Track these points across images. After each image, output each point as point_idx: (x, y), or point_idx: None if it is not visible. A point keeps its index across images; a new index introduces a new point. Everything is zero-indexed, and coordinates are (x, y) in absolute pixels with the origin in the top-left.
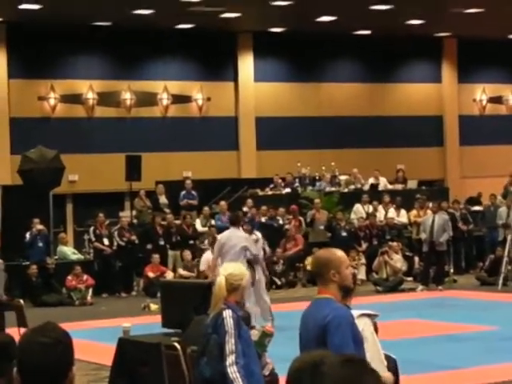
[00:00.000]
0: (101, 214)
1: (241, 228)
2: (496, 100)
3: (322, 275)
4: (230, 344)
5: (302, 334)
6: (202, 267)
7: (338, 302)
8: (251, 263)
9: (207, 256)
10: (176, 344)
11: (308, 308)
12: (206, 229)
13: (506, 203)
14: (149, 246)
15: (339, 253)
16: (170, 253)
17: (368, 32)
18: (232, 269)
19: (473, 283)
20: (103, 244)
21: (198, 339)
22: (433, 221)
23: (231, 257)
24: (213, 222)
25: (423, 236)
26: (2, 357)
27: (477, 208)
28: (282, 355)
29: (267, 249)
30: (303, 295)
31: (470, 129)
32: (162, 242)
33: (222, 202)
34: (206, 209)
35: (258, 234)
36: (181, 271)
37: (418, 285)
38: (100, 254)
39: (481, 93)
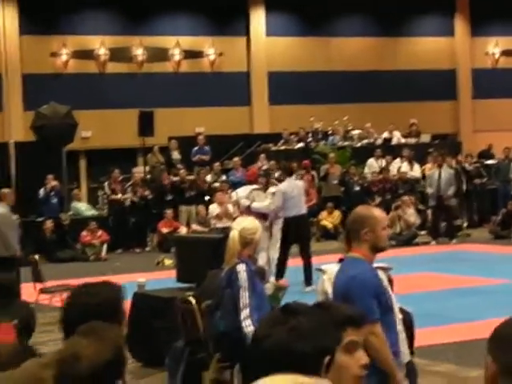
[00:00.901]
0: (116, 170)
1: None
2: (509, 53)
3: (355, 232)
4: (244, 298)
5: (333, 293)
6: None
7: (367, 261)
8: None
9: (212, 208)
10: (191, 298)
11: (339, 267)
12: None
13: None
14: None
15: (377, 212)
16: (183, 208)
17: None
18: (245, 223)
19: (486, 237)
20: (117, 200)
21: (213, 293)
22: (439, 175)
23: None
24: (224, 177)
25: (430, 190)
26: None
27: (490, 162)
28: None
29: None
30: (317, 249)
31: (483, 82)
32: (170, 198)
33: (236, 158)
34: (217, 164)
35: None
36: (195, 226)
37: (432, 239)
38: (115, 209)
39: (493, 46)
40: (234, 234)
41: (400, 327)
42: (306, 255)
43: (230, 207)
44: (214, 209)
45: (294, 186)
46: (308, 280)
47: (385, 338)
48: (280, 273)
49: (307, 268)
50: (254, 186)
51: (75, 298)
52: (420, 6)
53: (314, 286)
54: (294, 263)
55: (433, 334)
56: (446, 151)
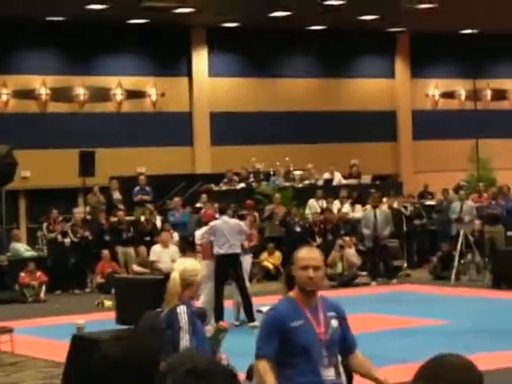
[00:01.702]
0: (54, 210)
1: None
2: (448, 95)
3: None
4: (185, 340)
5: None
6: (152, 258)
7: (294, 300)
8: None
9: (155, 247)
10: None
11: None
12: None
13: (459, 197)
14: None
15: (301, 251)
16: (120, 249)
17: (322, 27)
18: (186, 264)
19: (426, 277)
20: (56, 240)
21: (152, 335)
22: (375, 215)
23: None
24: (159, 218)
25: (366, 231)
26: None
27: (429, 202)
28: (238, 350)
29: None
30: (258, 290)
31: (423, 123)
32: (107, 238)
33: (176, 199)
34: (149, 205)
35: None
36: (135, 267)
37: (372, 280)
38: (54, 250)
39: (433, 88)
40: (174, 276)
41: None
42: (243, 293)
43: (174, 248)
44: (157, 249)
45: (227, 223)
46: (250, 316)
47: (266, 377)
48: (218, 314)
49: (247, 305)
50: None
51: None
52: (362, 48)
53: (256, 323)
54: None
55: None
56: (387, 192)
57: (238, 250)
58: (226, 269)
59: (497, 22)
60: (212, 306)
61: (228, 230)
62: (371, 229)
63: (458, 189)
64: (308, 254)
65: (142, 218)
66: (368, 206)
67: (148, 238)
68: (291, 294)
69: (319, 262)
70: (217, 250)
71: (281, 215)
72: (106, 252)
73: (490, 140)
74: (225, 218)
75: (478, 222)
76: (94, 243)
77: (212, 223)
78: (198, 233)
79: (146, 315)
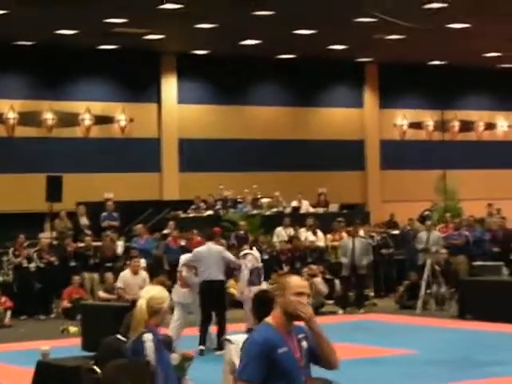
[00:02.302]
0: (21, 235)
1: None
2: (416, 125)
3: (272, 301)
4: None
5: None
6: (119, 284)
7: (274, 326)
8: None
9: (124, 274)
10: (96, 367)
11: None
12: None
13: (426, 227)
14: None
15: (290, 277)
16: (86, 275)
17: (291, 56)
18: (154, 292)
19: (392, 307)
20: (22, 266)
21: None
22: (353, 244)
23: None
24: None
25: (344, 260)
26: None
27: (396, 232)
28: (204, 378)
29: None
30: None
31: (391, 153)
32: (80, 263)
33: (139, 225)
34: (108, 232)
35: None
36: (101, 294)
37: (339, 308)
38: (19, 275)
39: (401, 118)
40: (141, 303)
41: None
42: (219, 322)
43: (144, 274)
44: (126, 275)
45: (210, 250)
46: (220, 345)
47: None
48: (201, 340)
49: (220, 335)
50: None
51: None
52: (331, 78)
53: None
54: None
55: None
56: (353, 221)
57: (221, 278)
58: (208, 295)
59: (465, 54)
60: (177, 334)
61: (212, 257)
62: (349, 258)
63: (422, 218)
64: (301, 282)
65: (107, 245)
66: (345, 235)
67: (109, 264)
68: (269, 320)
69: (308, 291)
70: (200, 277)
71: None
72: (76, 278)
73: (457, 171)
74: (210, 244)
75: (444, 251)
76: (60, 269)
77: (196, 249)
78: (182, 258)
79: (105, 342)
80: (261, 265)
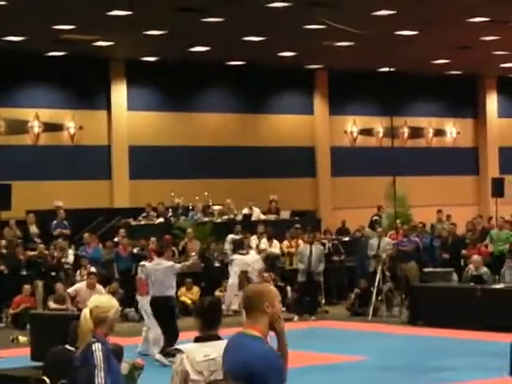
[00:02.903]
0: None
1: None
2: (366, 132)
3: (255, 307)
4: (100, 378)
5: (227, 373)
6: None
7: (263, 339)
8: None
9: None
10: (45, 378)
11: (234, 343)
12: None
13: (377, 234)
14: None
15: (272, 287)
16: (39, 283)
17: (241, 63)
18: (99, 301)
19: (344, 314)
20: None
21: (63, 371)
22: (310, 251)
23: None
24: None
25: (301, 266)
26: None
27: (347, 238)
28: None
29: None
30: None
31: (342, 160)
32: (29, 272)
33: (86, 234)
34: (59, 240)
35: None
36: (51, 304)
37: (294, 315)
38: None
39: (352, 125)
40: (85, 312)
41: None
42: (170, 332)
43: (100, 288)
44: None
45: (158, 266)
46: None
47: None
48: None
49: (167, 345)
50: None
51: None
52: (281, 84)
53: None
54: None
55: None
56: (304, 228)
57: (170, 293)
58: (160, 310)
59: (413, 61)
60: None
61: (160, 273)
62: (306, 264)
63: (372, 224)
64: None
65: (55, 253)
66: (301, 242)
67: (53, 274)
68: (255, 332)
69: None
70: (151, 292)
71: (196, 250)
72: (27, 287)
73: (407, 177)
74: (161, 260)
75: (389, 247)
76: (11, 277)
77: (143, 263)
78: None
79: (54, 352)
80: (251, 268)
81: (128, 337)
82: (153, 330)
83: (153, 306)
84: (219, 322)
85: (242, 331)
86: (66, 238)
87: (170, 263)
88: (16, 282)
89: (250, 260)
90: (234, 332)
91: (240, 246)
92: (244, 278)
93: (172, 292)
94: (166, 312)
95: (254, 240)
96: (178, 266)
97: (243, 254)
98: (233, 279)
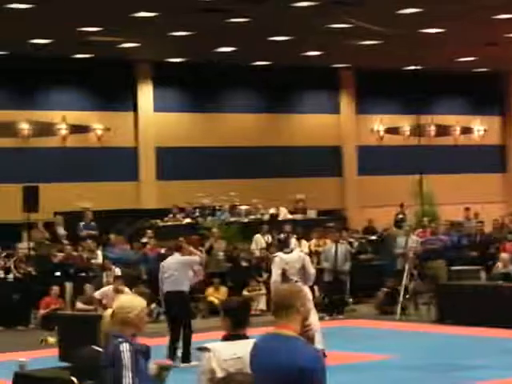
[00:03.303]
0: None
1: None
2: (393, 131)
3: (289, 307)
4: (128, 378)
5: (261, 373)
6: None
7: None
8: None
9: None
10: (73, 378)
11: (271, 346)
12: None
13: (405, 233)
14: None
15: (302, 287)
16: (68, 285)
17: (267, 63)
18: (122, 301)
19: (372, 312)
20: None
21: (90, 372)
22: (336, 250)
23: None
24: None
25: (326, 265)
26: None
27: (374, 237)
28: None
29: None
30: (202, 326)
31: (368, 159)
32: (58, 273)
33: (112, 235)
34: (89, 241)
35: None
36: (79, 305)
37: (324, 315)
38: None
39: (378, 123)
40: (106, 314)
41: None
42: (184, 331)
43: (127, 290)
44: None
45: (174, 261)
46: (185, 356)
47: None
48: (169, 352)
49: (185, 344)
50: None
51: None
52: (306, 84)
53: (194, 363)
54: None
55: None
56: (332, 227)
57: (184, 288)
58: (172, 306)
59: (440, 59)
60: None
61: (175, 268)
62: (331, 263)
63: (397, 222)
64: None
65: (84, 255)
66: (328, 241)
67: (83, 274)
68: (292, 332)
69: None
70: (164, 288)
71: (221, 249)
72: (55, 288)
73: (434, 175)
74: (176, 256)
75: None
76: (40, 279)
77: (162, 263)
78: None
79: (83, 353)
80: (289, 267)
81: (156, 337)
82: None
83: (165, 302)
84: (247, 322)
85: (276, 331)
86: (94, 239)
87: (186, 257)
88: (45, 284)
89: (288, 259)
90: (262, 332)
91: (285, 245)
92: (282, 277)
93: (185, 287)
94: (179, 307)
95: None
96: (196, 258)
97: (287, 253)
98: (274, 277)
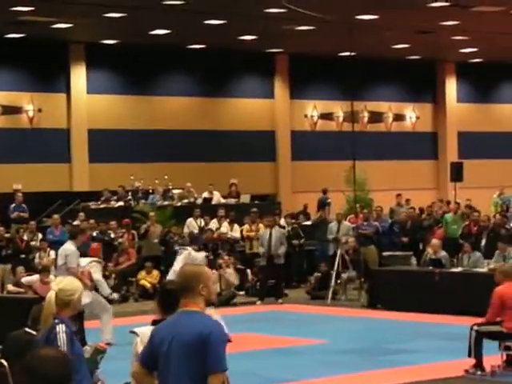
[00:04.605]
0: None
1: None
2: (326, 116)
3: (190, 289)
4: None
5: (164, 347)
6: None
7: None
8: None
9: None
10: (3, 361)
11: (173, 320)
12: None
13: (336, 218)
14: None
15: (207, 269)
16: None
17: (202, 46)
18: (64, 284)
19: (303, 297)
20: None
21: (21, 354)
22: (270, 234)
23: None
24: (40, 236)
25: (261, 250)
26: None
27: (307, 222)
28: (117, 370)
29: None
30: (135, 310)
31: (302, 144)
32: None
33: (55, 216)
34: (32, 223)
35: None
36: (10, 287)
37: (256, 299)
38: None
39: (312, 109)
40: (50, 295)
41: None
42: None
43: (52, 269)
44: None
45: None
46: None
47: None
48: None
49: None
50: (94, 259)
51: None
52: (241, 68)
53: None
54: (116, 323)
55: None
56: (264, 212)
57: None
58: None
59: (374, 45)
60: None
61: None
62: (266, 248)
63: (320, 204)
64: (210, 270)
65: (24, 236)
66: (261, 226)
67: (23, 256)
68: (197, 309)
69: None
70: None
71: (157, 233)
72: None
73: (367, 162)
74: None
75: (351, 239)
76: None
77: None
78: (83, 263)
79: (13, 335)
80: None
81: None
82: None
83: None
84: (177, 307)
85: (181, 309)
86: (24, 221)
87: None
88: None
89: (195, 257)
90: None
91: (196, 242)
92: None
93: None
94: None
95: (214, 224)
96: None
97: (195, 250)
98: (175, 267)
